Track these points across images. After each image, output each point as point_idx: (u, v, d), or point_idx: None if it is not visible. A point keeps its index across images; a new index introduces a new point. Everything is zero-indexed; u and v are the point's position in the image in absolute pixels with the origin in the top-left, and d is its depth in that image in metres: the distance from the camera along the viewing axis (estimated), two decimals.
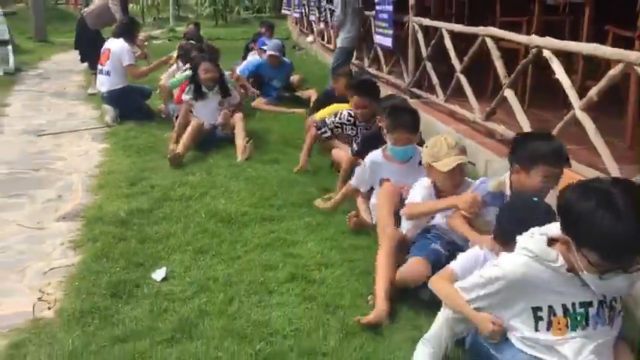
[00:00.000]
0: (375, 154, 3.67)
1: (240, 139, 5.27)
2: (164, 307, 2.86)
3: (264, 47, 7.67)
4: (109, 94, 6.62)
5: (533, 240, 2.05)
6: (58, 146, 5.83)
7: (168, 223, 3.84)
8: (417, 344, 2.39)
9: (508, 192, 2.75)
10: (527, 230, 2.11)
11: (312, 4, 12.21)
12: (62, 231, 3.83)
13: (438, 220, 3.13)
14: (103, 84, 6.70)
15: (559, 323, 2.03)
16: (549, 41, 3.54)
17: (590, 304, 2.03)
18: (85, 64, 9.07)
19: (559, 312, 2.03)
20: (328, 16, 9.77)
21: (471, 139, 4.42)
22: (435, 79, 5.36)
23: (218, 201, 4.19)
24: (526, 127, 3.82)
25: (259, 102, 7.19)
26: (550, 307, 2.04)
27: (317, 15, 11.60)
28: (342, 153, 4.53)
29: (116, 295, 2.97)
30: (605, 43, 4.31)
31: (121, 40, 6.66)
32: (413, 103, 5.62)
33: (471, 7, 7.54)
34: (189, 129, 5.25)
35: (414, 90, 5.90)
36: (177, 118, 5.80)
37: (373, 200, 3.72)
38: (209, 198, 4.26)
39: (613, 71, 2.99)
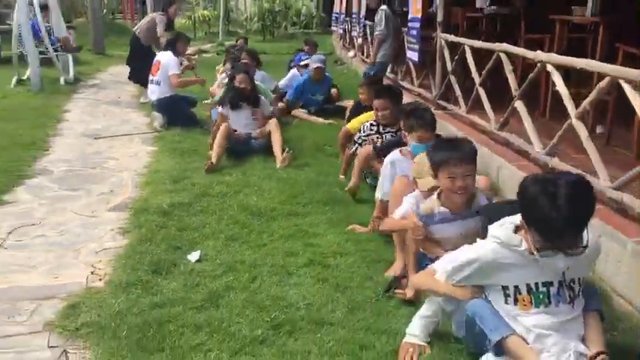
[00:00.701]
0: (394, 154, 3.93)
1: (277, 148, 5.57)
2: (196, 282, 3.29)
3: (307, 61, 8.12)
4: (158, 101, 7.20)
5: (501, 228, 2.37)
6: (112, 148, 6.41)
7: (204, 215, 4.30)
8: (413, 318, 2.74)
9: (436, 209, 3.03)
10: None
11: (354, 20, 12.68)
12: (112, 219, 4.34)
13: None
14: (154, 92, 7.28)
15: (524, 300, 2.34)
16: (551, 56, 3.86)
17: (551, 283, 2.31)
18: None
19: (523, 291, 2.34)
20: (367, 31, 10.18)
21: (487, 147, 4.73)
22: (457, 92, 5.70)
23: (250, 198, 4.63)
24: (533, 136, 4.13)
25: (298, 111, 7.65)
26: (516, 286, 2.35)
27: (358, 31, 12.05)
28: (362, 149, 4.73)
29: (156, 271, 3.42)
30: (617, 59, 4.59)
31: (169, 52, 7.26)
32: (438, 114, 5.99)
33: (502, 25, 7.84)
34: (217, 135, 5.64)
35: (440, 102, 6.24)
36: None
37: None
38: (242, 195, 4.70)
39: (601, 84, 3.29)
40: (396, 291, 3.11)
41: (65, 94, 9.58)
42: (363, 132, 4.86)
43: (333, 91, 8.27)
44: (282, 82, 8.27)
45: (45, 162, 5.79)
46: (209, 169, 5.30)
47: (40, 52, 9.87)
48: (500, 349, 2.34)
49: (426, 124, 3.75)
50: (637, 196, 3.13)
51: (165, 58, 7.18)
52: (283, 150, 5.58)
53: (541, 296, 2.33)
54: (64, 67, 10.76)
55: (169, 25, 9.03)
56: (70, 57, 11.13)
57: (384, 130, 4.79)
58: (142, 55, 8.60)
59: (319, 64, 7.66)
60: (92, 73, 12.24)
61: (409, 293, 3.03)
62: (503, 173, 4.31)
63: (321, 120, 7.38)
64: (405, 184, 3.49)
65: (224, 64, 8.43)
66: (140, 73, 8.45)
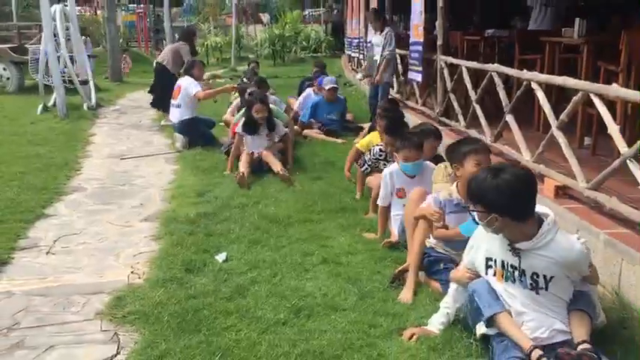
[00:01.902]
0: (392, 167, 4.47)
1: (277, 167, 5.97)
2: (225, 278, 3.75)
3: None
4: (179, 123, 7.74)
5: None
6: (138, 167, 6.92)
7: (228, 223, 4.76)
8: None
9: (455, 195, 3.51)
10: None
11: (361, 44, 13.25)
12: (145, 228, 4.81)
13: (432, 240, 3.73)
14: (175, 115, 7.82)
15: (498, 273, 2.81)
16: (535, 75, 4.33)
17: (515, 267, 2.74)
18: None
19: (499, 265, 2.81)
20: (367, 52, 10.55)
21: None
22: (457, 109, 6.16)
23: (269, 207, 5.09)
24: (523, 146, 4.57)
25: (311, 131, 8.07)
26: (495, 259, 2.82)
27: (365, 54, 12.59)
28: (373, 179, 5.11)
29: (188, 270, 3.88)
30: (600, 76, 5.04)
31: (187, 77, 7.82)
32: (440, 130, 6.45)
33: (501, 47, 8.34)
34: (242, 158, 6.09)
35: (442, 119, 6.70)
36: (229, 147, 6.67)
37: (393, 212, 4.45)
38: (262, 205, 5.17)
39: (575, 98, 3.74)
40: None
41: (89, 120, 10.14)
42: (373, 155, 5.24)
43: (349, 116, 8.64)
44: (297, 105, 8.70)
45: (78, 180, 6.30)
46: (240, 180, 5.66)
47: (63, 81, 10.47)
48: (491, 322, 2.76)
49: (410, 145, 4.25)
50: (612, 195, 3.56)
51: (185, 82, 7.73)
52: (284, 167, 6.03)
53: (508, 274, 2.77)
54: (87, 94, 11.35)
55: (193, 52, 9.68)
56: (91, 84, 11.75)
57: (391, 157, 4.97)
58: (167, 83, 9.13)
59: (333, 85, 8.12)
60: (112, 100, 12.84)
61: (408, 299, 3.41)
62: None
63: (332, 139, 7.77)
64: (421, 194, 3.87)
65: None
66: (163, 100, 9.03)
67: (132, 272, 3.94)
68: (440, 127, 6.38)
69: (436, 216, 3.47)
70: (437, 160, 4.56)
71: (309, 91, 8.86)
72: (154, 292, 3.54)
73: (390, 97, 8.10)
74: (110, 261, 4.18)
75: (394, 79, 8.94)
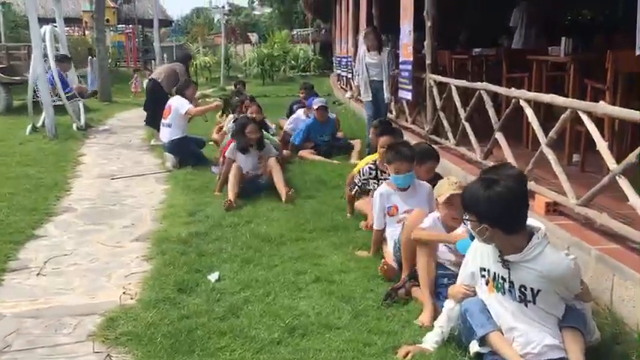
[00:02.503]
0: (382, 187, 4.43)
1: (280, 184, 5.93)
2: (218, 298, 3.73)
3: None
4: (169, 143, 7.74)
5: None
6: (128, 187, 6.89)
7: (220, 242, 4.75)
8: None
9: None
10: None
11: (350, 63, 13.35)
12: (136, 248, 4.78)
13: (445, 256, 3.73)
14: (165, 135, 7.83)
15: (490, 284, 2.85)
16: (523, 93, 4.40)
17: (505, 279, 2.77)
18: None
19: (490, 276, 2.85)
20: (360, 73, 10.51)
21: (474, 175, 5.20)
22: (446, 127, 6.22)
23: (261, 226, 5.09)
24: (512, 163, 4.60)
25: (305, 152, 7.93)
26: (488, 270, 2.86)
27: (353, 73, 12.68)
28: (363, 204, 5.12)
29: (181, 290, 3.86)
30: (586, 94, 5.13)
31: (179, 97, 7.86)
32: None
33: (488, 66, 8.46)
34: (230, 176, 6.00)
35: (432, 137, 6.76)
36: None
37: (387, 231, 4.39)
38: (253, 224, 5.16)
39: (564, 115, 3.80)
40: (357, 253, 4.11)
41: (79, 140, 10.12)
42: (363, 175, 5.13)
43: (340, 134, 8.60)
44: (287, 126, 8.61)
45: (68, 201, 6.26)
46: (229, 207, 5.58)
47: (53, 101, 10.46)
48: (483, 341, 2.80)
49: (401, 157, 4.25)
50: (602, 211, 3.60)
51: (176, 102, 7.75)
52: (287, 186, 5.94)
53: (498, 285, 2.82)
54: (76, 114, 11.33)
55: (187, 72, 9.76)
56: (80, 104, 11.73)
57: (381, 175, 4.99)
58: (159, 100, 9.08)
59: (321, 104, 8.07)
60: (102, 119, 12.83)
61: (426, 322, 3.33)
62: None
63: (328, 161, 7.63)
64: (421, 215, 3.86)
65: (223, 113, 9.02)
66: (155, 118, 9.04)
67: (124, 293, 3.91)
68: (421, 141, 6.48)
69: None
70: (436, 180, 4.56)
71: (299, 112, 8.77)
72: (147, 312, 3.52)
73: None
74: (102, 282, 4.15)
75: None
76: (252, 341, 3.15)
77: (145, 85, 14.50)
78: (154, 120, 9.42)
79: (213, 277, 4.06)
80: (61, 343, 3.28)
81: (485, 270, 2.88)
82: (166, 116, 7.76)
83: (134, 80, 17.83)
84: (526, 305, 2.74)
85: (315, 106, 8.09)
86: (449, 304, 3.10)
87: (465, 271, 3.03)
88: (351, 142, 8.10)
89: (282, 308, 3.54)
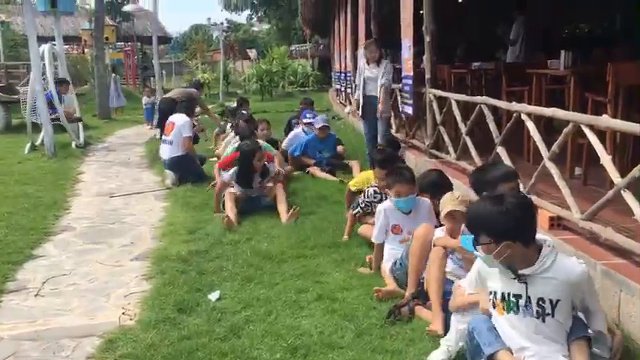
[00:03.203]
0: (386, 203, 4.38)
1: (282, 207, 5.79)
2: (219, 317, 3.67)
3: (311, 120, 8.41)
4: (170, 160, 7.70)
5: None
6: (128, 205, 6.85)
7: (220, 260, 4.69)
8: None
9: None
10: None
11: (349, 77, 13.38)
12: (136, 267, 4.73)
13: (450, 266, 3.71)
14: (165, 152, 7.79)
15: (499, 306, 2.77)
16: (524, 107, 4.37)
17: (519, 296, 2.69)
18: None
19: (499, 297, 2.77)
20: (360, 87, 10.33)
21: None
22: (447, 141, 6.20)
23: (261, 244, 5.04)
24: None
25: (314, 169, 7.81)
26: (494, 292, 2.79)
27: (353, 88, 12.69)
28: (366, 229, 4.88)
29: (181, 310, 3.80)
30: (587, 107, 5.11)
31: (183, 115, 7.80)
32: (432, 162, 6.48)
33: (488, 79, 8.46)
34: (227, 201, 5.84)
35: (433, 151, 6.73)
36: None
37: (387, 247, 4.34)
38: (254, 242, 5.11)
39: (566, 129, 3.77)
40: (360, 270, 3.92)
41: (78, 158, 10.09)
42: (367, 197, 5.02)
43: (340, 148, 8.41)
44: (285, 143, 8.47)
45: (67, 220, 6.22)
46: (229, 223, 5.45)
47: (52, 120, 10.45)
48: None
49: (402, 180, 4.23)
50: (607, 225, 3.56)
51: (179, 120, 7.71)
52: (290, 208, 5.75)
53: (511, 304, 2.72)
54: (75, 133, 11.32)
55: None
56: (79, 123, 11.74)
57: (386, 199, 4.68)
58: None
59: (325, 124, 8.02)
60: (101, 137, 12.83)
61: (439, 330, 3.29)
62: None
63: (333, 178, 7.48)
64: (429, 229, 3.84)
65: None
66: None
67: (123, 313, 3.85)
68: (431, 160, 6.46)
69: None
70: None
71: (297, 131, 8.64)
72: (146, 333, 3.46)
73: (390, 135, 7.84)
74: (101, 302, 4.09)
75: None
76: None
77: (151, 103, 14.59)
78: None
79: (213, 296, 4.00)
80: None
81: (491, 293, 2.82)
82: (168, 133, 7.73)
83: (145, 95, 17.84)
84: (543, 320, 2.67)
85: (318, 126, 8.01)
86: (457, 321, 3.05)
87: (475, 280, 2.99)
88: (349, 163, 7.86)
89: (284, 328, 3.48)
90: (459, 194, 3.89)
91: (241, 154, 6.22)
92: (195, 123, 8.57)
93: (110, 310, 3.93)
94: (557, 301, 2.66)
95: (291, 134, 8.72)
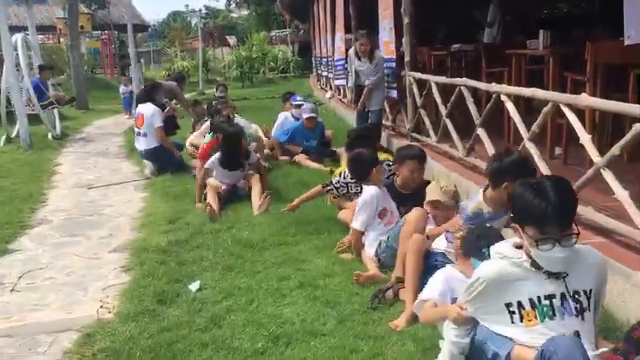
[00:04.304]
0: (374, 189, 4.28)
1: (255, 197, 5.68)
2: (199, 308, 3.61)
3: (300, 102, 8.22)
4: (146, 152, 7.59)
5: (503, 245, 2.54)
6: (106, 196, 6.74)
7: (201, 250, 4.63)
8: None
9: (485, 209, 3.37)
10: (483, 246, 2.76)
11: (329, 63, 13.29)
12: (114, 260, 4.64)
13: (442, 244, 3.67)
14: (141, 144, 7.65)
15: (528, 315, 2.39)
16: (503, 87, 4.34)
17: (553, 296, 2.36)
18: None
19: (527, 306, 2.39)
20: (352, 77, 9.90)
21: (457, 172, 5.16)
22: (428, 124, 6.16)
23: (242, 232, 4.97)
24: None
25: (301, 157, 7.57)
26: (519, 302, 2.39)
27: (334, 73, 12.59)
28: (346, 214, 4.81)
29: (161, 301, 3.73)
30: (566, 86, 5.10)
31: (149, 104, 7.60)
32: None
33: (467, 61, 8.43)
34: (209, 192, 5.76)
35: (414, 134, 6.70)
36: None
37: (371, 233, 4.27)
38: (235, 230, 5.05)
39: (546, 109, 3.75)
40: (390, 324, 3.26)
41: (54, 149, 9.93)
42: (343, 178, 5.00)
43: (328, 132, 8.23)
44: (274, 131, 8.20)
45: (44, 212, 6.10)
46: (211, 213, 5.36)
47: (43, 107, 10.27)
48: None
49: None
50: (587, 205, 3.55)
51: (148, 111, 7.53)
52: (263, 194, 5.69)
53: (545, 309, 2.37)
54: (51, 123, 11.13)
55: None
56: (56, 113, 11.53)
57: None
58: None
59: (312, 114, 7.72)
60: (78, 128, 12.63)
61: (400, 326, 3.21)
62: (472, 194, 4.71)
63: (324, 168, 7.14)
64: (423, 214, 3.81)
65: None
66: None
67: (101, 307, 3.78)
68: (412, 143, 6.42)
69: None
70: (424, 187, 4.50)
71: (286, 114, 8.43)
72: (125, 326, 3.39)
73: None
74: (78, 296, 4.01)
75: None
76: (235, 352, 3.05)
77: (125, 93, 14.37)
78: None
79: (194, 286, 3.94)
80: None
81: (512, 305, 2.42)
82: (140, 125, 7.58)
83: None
84: (582, 317, 2.40)
85: (306, 116, 7.76)
86: (449, 335, 2.65)
87: (476, 293, 2.51)
88: (337, 150, 7.57)
89: (265, 316, 3.44)
90: (444, 184, 3.88)
91: (229, 136, 6.07)
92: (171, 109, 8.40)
93: (88, 304, 3.85)
94: (591, 290, 2.43)
95: (280, 120, 8.38)
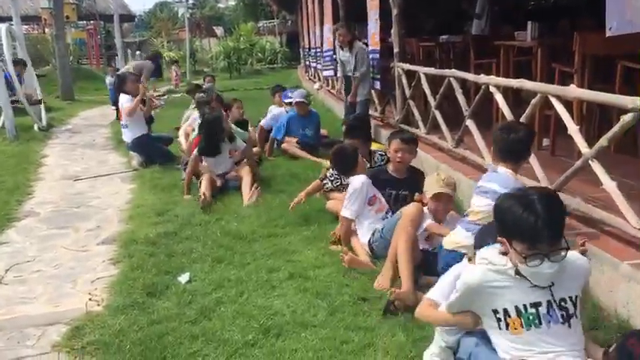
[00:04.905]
0: (362, 177, 4.27)
1: (246, 188, 5.66)
2: (189, 300, 3.60)
3: (291, 100, 7.82)
4: (132, 143, 7.55)
5: (488, 251, 2.43)
6: (93, 188, 6.68)
7: (190, 242, 4.61)
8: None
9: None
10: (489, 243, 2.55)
11: (318, 54, 13.24)
12: (103, 252, 4.62)
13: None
14: (126, 136, 7.65)
15: (514, 323, 2.31)
16: (492, 79, 4.36)
17: (539, 304, 2.28)
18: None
19: (512, 313, 2.31)
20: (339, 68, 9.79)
21: (446, 163, 5.17)
22: (417, 115, 6.17)
23: (231, 224, 4.96)
24: (484, 151, 4.57)
25: (290, 144, 7.38)
26: (505, 309, 2.32)
27: (322, 64, 12.53)
28: (335, 204, 4.80)
29: (150, 293, 3.71)
30: (555, 78, 5.12)
31: (122, 94, 7.59)
32: None
33: (456, 52, 8.44)
34: (204, 181, 5.66)
35: (402, 126, 6.70)
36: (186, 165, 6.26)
37: (364, 221, 4.26)
38: (224, 222, 5.03)
39: (534, 100, 3.76)
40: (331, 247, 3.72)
41: (41, 141, 9.84)
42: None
43: (323, 131, 8.02)
44: (264, 121, 7.97)
45: (30, 204, 6.04)
46: (204, 202, 5.32)
47: (12, 102, 10.12)
48: None
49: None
50: (575, 195, 3.58)
51: (121, 100, 7.55)
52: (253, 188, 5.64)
53: (530, 317, 2.30)
54: (37, 115, 11.01)
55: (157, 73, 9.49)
56: (41, 105, 11.40)
57: None
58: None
59: (300, 99, 7.53)
60: (64, 119, 12.51)
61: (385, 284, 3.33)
62: (462, 186, 4.73)
63: (313, 157, 7.04)
64: (419, 209, 3.75)
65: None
66: None
67: (90, 299, 3.75)
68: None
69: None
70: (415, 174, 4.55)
71: (279, 110, 8.17)
72: (115, 319, 3.38)
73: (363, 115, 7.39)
74: (67, 288, 3.98)
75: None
76: (225, 344, 3.04)
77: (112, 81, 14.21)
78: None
79: (183, 278, 3.93)
80: (24, 355, 3.13)
81: (498, 312, 2.35)
82: (122, 118, 7.63)
83: (174, 71, 17.52)
84: (569, 324, 2.31)
85: (294, 101, 7.60)
86: (441, 338, 2.65)
87: (461, 299, 2.46)
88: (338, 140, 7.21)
89: (255, 308, 3.43)
90: (445, 176, 3.88)
91: (205, 122, 6.04)
92: (155, 99, 8.35)
93: (77, 297, 3.82)
94: (577, 297, 2.34)
95: (272, 113, 8.13)
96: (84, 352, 3.09)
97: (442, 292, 2.70)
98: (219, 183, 5.92)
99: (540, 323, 2.28)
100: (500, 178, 3.28)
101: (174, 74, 18.63)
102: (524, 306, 2.30)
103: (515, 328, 2.31)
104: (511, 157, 3.31)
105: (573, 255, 2.35)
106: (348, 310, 3.35)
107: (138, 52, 20.37)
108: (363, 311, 3.34)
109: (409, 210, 3.74)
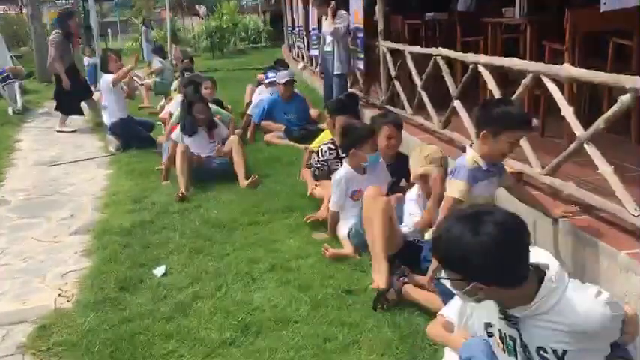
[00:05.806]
0: (344, 170, 4.09)
1: (240, 168, 5.47)
2: (164, 295, 3.42)
3: (273, 79, 7.47)
4: (111, 125, 7.30)
5: None
6: (68, 174, 6.44)
7: (167, 232, 4.41)
8: None
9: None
10: None
11: (301, 33, 12.93)
12: (75, 243, 4.41)
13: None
14: (105, 118, 7.44)
15: (499, 344, 2.05)
16: (479, 57, 4.16)
17: (514, 339, 1.98)
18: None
19: (496, 334, 2.05)
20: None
21: (432, 145, 4.97)
22: (402, 96, 5.97)
23: (211, 211, 4.76)
24: (472, 133, 4.37)
25: (272, 136, 6.99)
26: (494, 325, 2.05)
27: (311, 43, 12.16)
28: (321, 191, 4.64)
29: (123, 288, 3.53)
30: (544, 56, 4.93)
31: (105, 75, 7.41)
32: None
33: (442, 30, 8.20)
34: (177, 162, 5.39)
35: (388, 107, 6.49)
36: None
37: (347, 215, 4.06)
38: (203, 209, 4.83)
39: (525, 81, 3.58)
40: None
41: (15, 124, 9.53)
42: (322, 156, 4.78)
43: (315, 112, 7.49)
44: (256, 116, 7.29)
45: (1, 193, 5.80)
46: (181, 199, 5.08)
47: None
48: None
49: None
50: (568, 179, 3.42)
51: (103, 81, 7.37)
52: (247, 175, 5.45)
53: (509, 346, 2.01)
54: (12, 97, 10.65)
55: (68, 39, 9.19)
56: (17, 87, 11.04)
57: (344, 153, 4.38)
58: (57, 86, 9.02)
59: (288, 78, 7.12)
60: (40, 102, 12.10)
61: (382, 284, 3.18)
62: (449, 167, 4.56)
63: (296, 145, 6.60)
64: (377, 190, 3.64)
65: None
66: (62, 104, 8.89)
67: (59, 295, 3.56)
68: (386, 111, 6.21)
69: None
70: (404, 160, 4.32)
71: (263, 93, 7.80)
72: (84, 317, 3.20)
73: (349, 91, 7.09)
74: (35, 283, 3.78)
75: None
76: (201, 344, 2.87)
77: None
78: (66, 104, 9.03)
79: (158, 271, 3.74)
80: None
81: (490, 326, 2.07)
82: (102, 99, 7.41)
83: (175, 51, 17.04)
84: None
85: (282, 81, 7.11)
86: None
87: (464, 324, 2.23)
88: (323, 127, 6.62)
89: (234, 303, 3.26)
90: (428, 152, 3.60)
91: (181, 104, 6.04)
92: (137, 79, 8.09)
93: (45, 292, 3.63)
94: (564, 352, 1.90)
95: (256, 97, 7.77)
96: (50, 354, 2.92)
97: (458, 310, 2.29)
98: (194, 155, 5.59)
99: (516, 357, 2.00)
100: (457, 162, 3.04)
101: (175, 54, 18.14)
102: (505, 334, 2.02)
103: (501, 349, 2.05)
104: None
105: (572, 305, 1.87)
106: (332, 304, 3.18)
107: (144, 29, 19.95)
108: (348, 305, 3.18)
109: (367, 194, 3.61)
